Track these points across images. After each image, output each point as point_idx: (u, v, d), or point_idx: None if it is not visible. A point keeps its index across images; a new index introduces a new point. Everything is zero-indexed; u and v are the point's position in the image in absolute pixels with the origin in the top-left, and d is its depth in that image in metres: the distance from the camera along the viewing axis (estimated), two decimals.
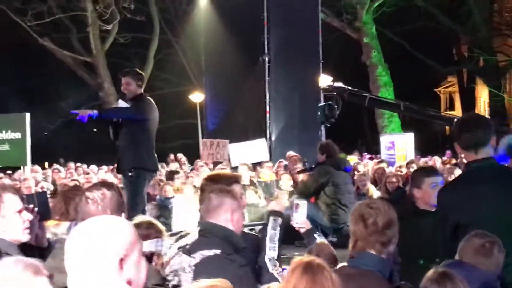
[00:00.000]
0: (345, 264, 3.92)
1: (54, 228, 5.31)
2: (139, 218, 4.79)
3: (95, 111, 7.78)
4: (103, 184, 3.84)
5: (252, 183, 11.84)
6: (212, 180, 4.81)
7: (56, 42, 29.04)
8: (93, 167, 19.05)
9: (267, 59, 18.25)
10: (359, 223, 3.69)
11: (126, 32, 29.16)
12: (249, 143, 16.81)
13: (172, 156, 23.97)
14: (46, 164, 21.32)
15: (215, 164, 16.09)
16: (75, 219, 5.50)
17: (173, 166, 19.73)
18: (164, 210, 10.86)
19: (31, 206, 4.29)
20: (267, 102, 18.13)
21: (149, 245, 4.29)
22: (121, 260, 2.23)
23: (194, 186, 10.95)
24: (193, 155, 22.76)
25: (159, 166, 10.66)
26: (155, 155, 8.30)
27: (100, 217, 2.40)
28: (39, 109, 22.11)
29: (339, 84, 18.62)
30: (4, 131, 14.06)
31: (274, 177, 13.14)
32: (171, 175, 12.90)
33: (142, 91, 8.24)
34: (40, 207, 4.35)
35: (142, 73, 8.55)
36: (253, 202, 10.96)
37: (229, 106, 19.45)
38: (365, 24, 29.04)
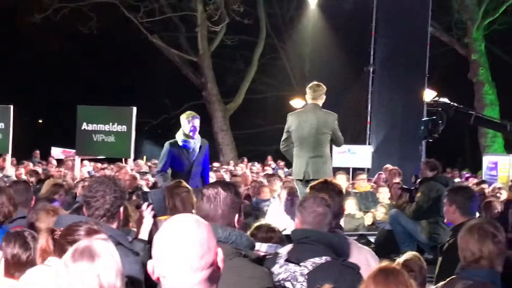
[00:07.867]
0: (454, 276, 3.88)
1: None
2: (261, 222, 4.89)
3: None
4: (220, 182, 3.91)
5: (348, 193, 11.74)
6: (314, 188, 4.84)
7: (164, 40, 29.75)
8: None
9: (371, 69, 18.14)
10: (487, 242, 3.65)
11: (232, 34, 29.50)
12: (354, 146, 16.71)
13: (269, 159, 24.18)
14: (145, 158, 21.83)
15: None
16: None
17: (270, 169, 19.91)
18: (258, 212, 10.87)
19: (146, 203, 4.43)
20: (369, 112, 18.00)
21: (267, 248, 4.34)
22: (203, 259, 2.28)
23: None
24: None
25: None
26: (299, 162, 8.91)
27: (185, 216, 2.40)
28: (143, 104, 22.57)
29: (445, 99, 18.17)
30: (111, 123, 14.60)
31: (369, 188, 13.02)
32: (268, 178, 13.00)
33: (314, 103, 9.04)
34: (156, 203, 4.47)
35: (315, 84, 9.09)
36: (349, 212, 10.89)
37: None
38: (474, 41, 28.32)
